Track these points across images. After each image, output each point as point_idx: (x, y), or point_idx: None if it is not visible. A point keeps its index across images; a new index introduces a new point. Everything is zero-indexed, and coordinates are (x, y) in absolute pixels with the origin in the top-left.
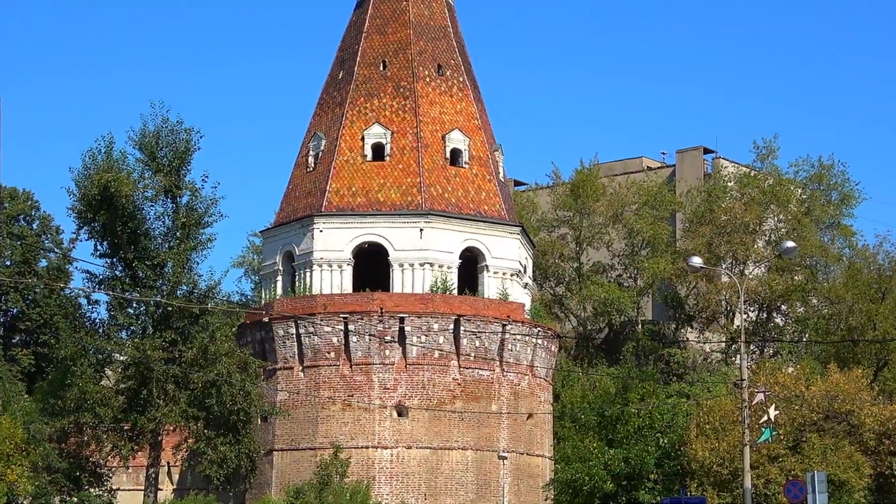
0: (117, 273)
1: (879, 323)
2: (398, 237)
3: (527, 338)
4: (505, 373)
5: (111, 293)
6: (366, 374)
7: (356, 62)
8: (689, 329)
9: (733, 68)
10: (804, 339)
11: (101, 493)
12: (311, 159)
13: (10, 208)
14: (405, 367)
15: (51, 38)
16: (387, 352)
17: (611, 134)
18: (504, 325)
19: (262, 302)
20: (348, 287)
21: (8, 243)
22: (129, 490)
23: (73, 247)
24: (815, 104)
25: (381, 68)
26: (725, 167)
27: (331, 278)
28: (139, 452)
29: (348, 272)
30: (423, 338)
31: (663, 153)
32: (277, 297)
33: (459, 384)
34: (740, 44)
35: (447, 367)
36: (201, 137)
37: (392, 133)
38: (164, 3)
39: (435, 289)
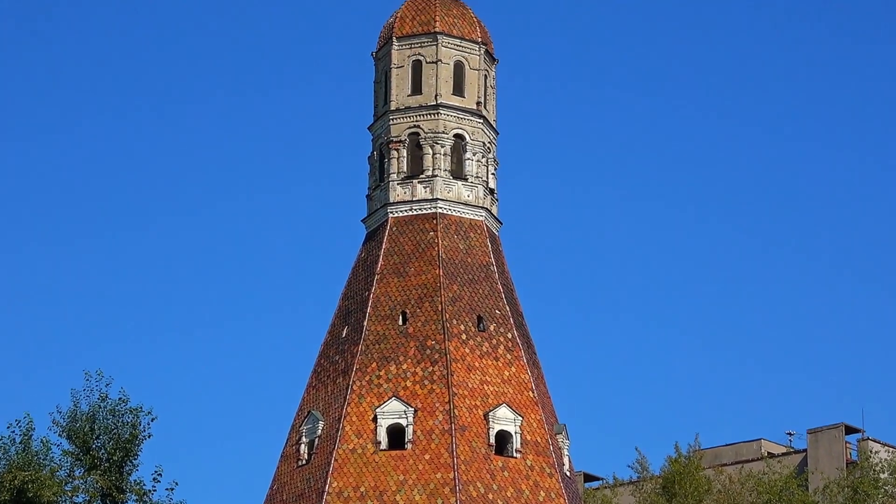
0: None
1: None
2: None
3: None
4: None
5: None
6: None
7: (366, 314)
8: None
9: (881, 318)
10: None
11: None
12: (303, 448)
13: None
14: None
15: None
16: None
17: (716, 410)
18: None
19: None
20: None
21: None
22: None
23: None
24: None
25: (401, 323)
26: (876, 452)
27: None
28: None
29: None
30: None
31: (790, 434)
32: None
33: None
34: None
35: None
36: (153, 420)
37: (415, 411)
38: (80, 249)
39: None
